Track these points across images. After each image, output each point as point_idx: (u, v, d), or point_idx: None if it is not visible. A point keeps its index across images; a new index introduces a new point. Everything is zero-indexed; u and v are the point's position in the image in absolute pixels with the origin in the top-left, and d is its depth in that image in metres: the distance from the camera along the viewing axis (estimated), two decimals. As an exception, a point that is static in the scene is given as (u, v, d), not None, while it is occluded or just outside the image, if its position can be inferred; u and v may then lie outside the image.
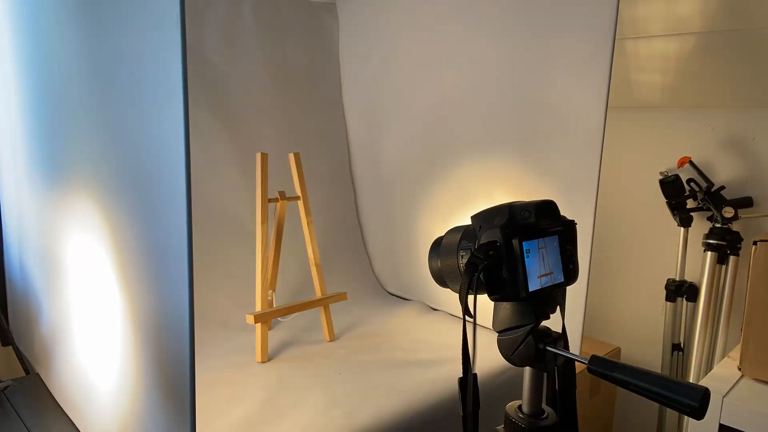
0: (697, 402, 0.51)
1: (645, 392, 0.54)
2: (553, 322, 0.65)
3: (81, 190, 0.93)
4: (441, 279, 0.70)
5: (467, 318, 0.60)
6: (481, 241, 0.61)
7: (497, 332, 0.64)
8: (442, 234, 0.70)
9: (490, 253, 0.59)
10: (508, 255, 0.59)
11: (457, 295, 0.64)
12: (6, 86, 1.18)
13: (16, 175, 1.25)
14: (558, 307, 0.65)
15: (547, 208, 0.63)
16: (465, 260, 0.64)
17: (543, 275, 0.61)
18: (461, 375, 0.62)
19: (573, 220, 0.66)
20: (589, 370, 0.57)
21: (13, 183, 1.29)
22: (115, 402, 0.90)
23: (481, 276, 0.59)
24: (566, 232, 0.64)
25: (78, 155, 0.95)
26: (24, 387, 1.26)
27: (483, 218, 0.64)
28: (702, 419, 0.52)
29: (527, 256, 0.59)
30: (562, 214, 0.66)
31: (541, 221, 0.61)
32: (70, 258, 1.01)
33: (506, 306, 0.62)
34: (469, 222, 0.67)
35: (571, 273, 0.65)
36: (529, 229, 0.61)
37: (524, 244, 0.59)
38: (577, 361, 0.62)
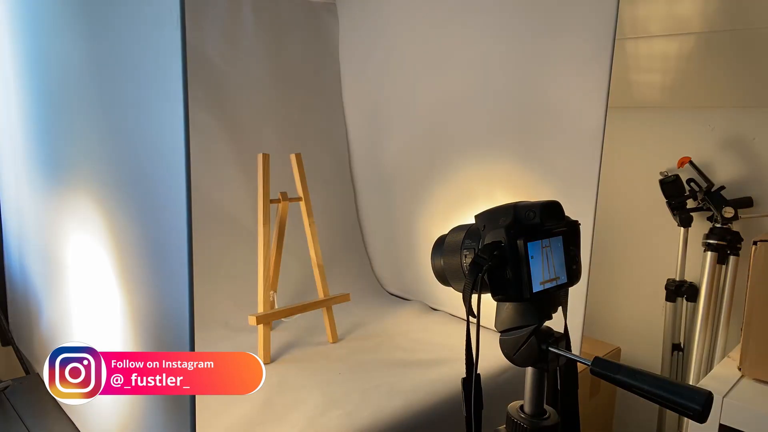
0: (700, 405, 0.51)
1: (648, 395, 0.53)
2: (554, 322, 0.64)
3: (81, 190, 0.93)
4: (443, 277, 0.69)
5: (471, 318, 0.60)
6: (486, 241, 0.61)
7: (499, 332, 0.64)
8: (445, 233, 0.70)
9: (495, 253, 0.59)
10: (513, 256, 0.59)
11: (459, 294, 0.64)
12: (6, 86, 1.18)
13: (16, 175, 1.24)
14: (560, 308, 0.65)
15: (552, 208, 0.62)
16: (468, 259, 0.64)
17: (547, 280, 0.61)
18: (464, 375, 0.62)
19: (577, 221, 0.66)
20: (592, 371, 0.57)
21: (13, 183, 1.29)
22: (114, 402, 0.90)
23: (485, 276, 0.58)
24: (570, 232, 0.64)
25: (78, 155, 0.95)
26: (24, 387, 1.26)
27: (487, 217, 0.63)
28: (704, 423, 0.52)
29: (531, 257, 0.59)
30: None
31: (545, 222, 0.61)
32: (70, 258, 1.01)
33: (509, 306, 0.62)
34: (472, 221, 0.66)
35: (574, 273, 0.64)
36: (534, 229, 0.60)
37: (529, 244, 0.59)
38: (580, 362, 0.62)
